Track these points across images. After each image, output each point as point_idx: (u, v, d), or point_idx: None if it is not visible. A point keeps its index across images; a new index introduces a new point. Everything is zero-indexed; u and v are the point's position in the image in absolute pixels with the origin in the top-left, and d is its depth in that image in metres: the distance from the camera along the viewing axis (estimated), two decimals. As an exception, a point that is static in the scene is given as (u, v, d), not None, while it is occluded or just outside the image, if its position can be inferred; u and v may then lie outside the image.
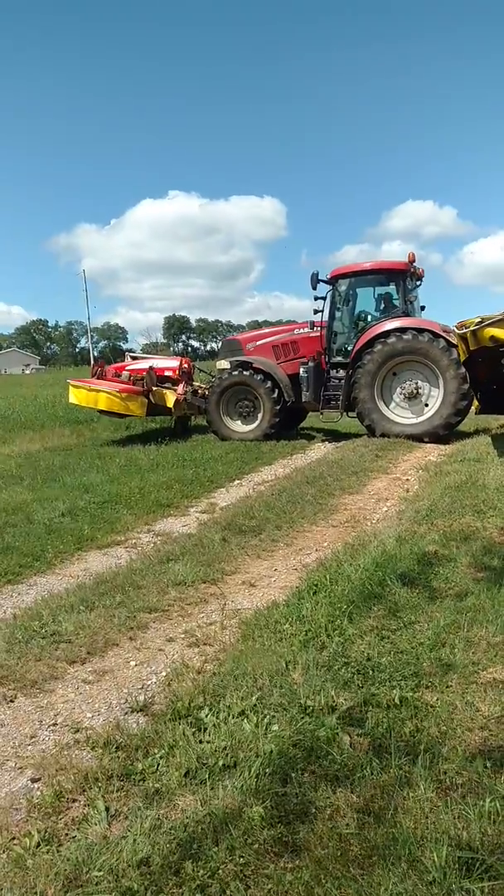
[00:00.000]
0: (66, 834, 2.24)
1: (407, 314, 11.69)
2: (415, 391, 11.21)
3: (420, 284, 12.60)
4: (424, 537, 5.13)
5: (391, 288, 12.15)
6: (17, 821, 2.35)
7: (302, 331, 12.94)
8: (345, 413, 12.09)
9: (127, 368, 13.57)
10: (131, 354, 16.35)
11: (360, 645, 3.37)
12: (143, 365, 13.48)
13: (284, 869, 1.98)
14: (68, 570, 5.36)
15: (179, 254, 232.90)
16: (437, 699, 2.84)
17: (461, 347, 8.99)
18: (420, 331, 10.98)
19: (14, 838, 2.24)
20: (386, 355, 11.11)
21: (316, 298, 12.24)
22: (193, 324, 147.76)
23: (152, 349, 79.51)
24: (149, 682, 3.33)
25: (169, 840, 2.10)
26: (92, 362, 22.12)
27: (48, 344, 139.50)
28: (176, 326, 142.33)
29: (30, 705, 3.17)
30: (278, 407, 12.17)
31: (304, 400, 12.22)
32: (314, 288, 12.02)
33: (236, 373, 12.45)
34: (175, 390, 12.84)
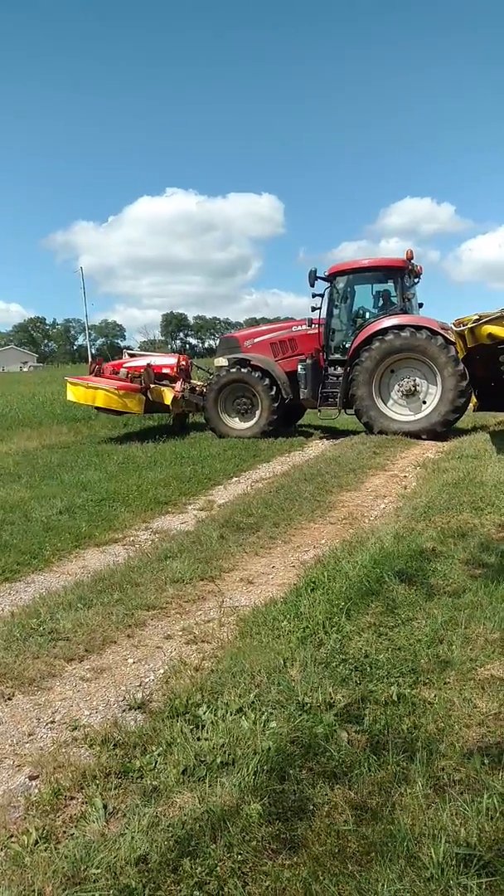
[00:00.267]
0: (64, 832, 2.24)
1: (405, 311, 11.69)
2: (413, 388, 11.22)
3: (418, 281, 12.61)
4: (422, 534, 5.13)
5: (389, 285, 12.14)
6: (15, 818, 2.35)
7: (300, 328, 12.93)
8: (343, 410, 12.10)
9: (125, 366, 13.56)
10: (129, 352, 16.34)
11: (357, 642, 3.37)
12: (141, 362, 13.46)
13: (282, 866, 1.98)
14: (66, 567, 5.36)
15: (177, 251, 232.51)
16: (435, 696, 2.84)
17: (459, 345, 9.00)
18: (418, 328, 10.99)
19: (12, 836, 2.24)
20: (384, 352, 11.11)
21: (314, 296, 12.24)
22: (191, 321, 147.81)
23: (150, 346, 79.41)
24: (147, 680, 3.33)
25: (167, 837, 2.10)
26: (90, 360, 22.11)
27: (46, 341, 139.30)
28: (174, 324, 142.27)
29: (28, 703, 3.17)
30: (276, 404, 12.16)
31: (302, 397, 12.22)
32: (312, 285, 12.02)
33: (234, 370, 12.44)
34: (173, 387, 12.84)
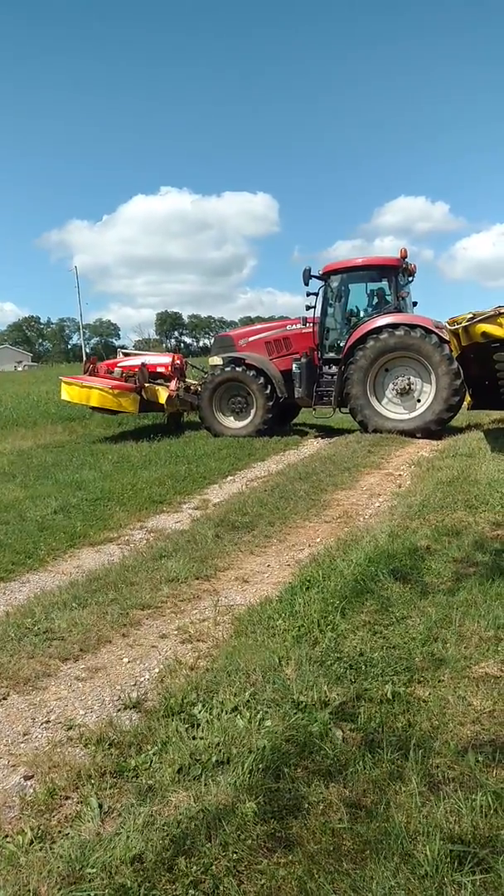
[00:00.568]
0: (60, 831, 2.24)
1: (399, 310, 11.71)
2: (407, 387, 11.24)
3: (412, 280, 12.63)
4: (416, 532, 5.14)
5: (383, 284, 12.15)
6: (10, 818, 2.35)
7: (294, 327, 12.92)
8: (337, 409, 12.11)
9: (119, 365, 13.53)
10: (123, 351, 16.33)
11: (352, 640, 3.38)
12: (136, 361, 13.45)
13: (277, 864, 1.99)
14: (61, 567, 5.35)
15: (172, 250, 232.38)
16: (430, 694, 2.85)
17: (453, 343, 9.01)
18: (412, 327, 11.00)
19: (7, 836, 2.24)
20: (378, 351, 11.13)
21: (308, 294, 12.24)
22: (186, 320, 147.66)
23: (144, 346, 79.28)
24: (142, 679, 3.33)
25: (162, 836, 2.11)
26: (84, 359, 22.05)
27: (40, 341, 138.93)
28: (168, 323, 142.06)
29: (23, 703, 3.16)
30: (271, 403, 12.16)
31: (296, 396, 12.23)
32: (306, 284, 12.03)
33: (229, 369, 12.43)
34: (167, 387, 12.82)
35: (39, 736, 2.89)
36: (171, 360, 13.72)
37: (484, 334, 7.62)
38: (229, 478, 8.79)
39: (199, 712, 2.80)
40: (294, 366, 12.16)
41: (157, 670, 3.40)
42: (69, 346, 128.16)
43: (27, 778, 2.58)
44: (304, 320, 12.63)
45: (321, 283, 12.29)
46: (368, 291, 12.49)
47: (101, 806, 2.32)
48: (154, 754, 2.57)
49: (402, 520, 5.58)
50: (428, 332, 10.88)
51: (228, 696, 2.88)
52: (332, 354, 12.27)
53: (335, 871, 1.94)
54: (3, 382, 35.69)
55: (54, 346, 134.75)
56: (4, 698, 3.20)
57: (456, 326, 8.26)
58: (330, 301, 12.40)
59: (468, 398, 11.14)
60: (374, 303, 12.31)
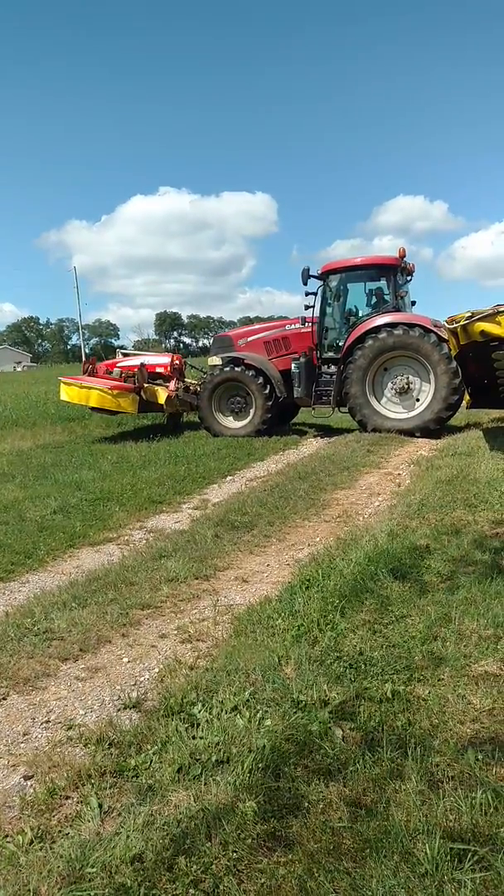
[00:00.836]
0: (60, 831, 2.24)
1: (398, 309, 11.71)
2: (406, 386, 11.24)
3: (411, 279, 12.62)
4: (416, 531, 5.14)
5: (382, 283, 12.15)
6: (10, 818, 2.35)
7: (293, 327, 12.92)
8: (336, 408, 12.11)
9: (118, 365, 13.52)
10: (123, 351, 16.32)
11: (352, 639, 3.38)
12: (135, 362, 13.44)
13: (277, 863, 1.99)
14: (60, 567, 5.35)
15: (171, 250, 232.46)
16: (429, 692, 2.85)
17: (452, 342, 9.01)
18: (411, 326, 11.00)
19: (7, 836, 2.24)
20: (377, 350, 11.13)
21: (307, 294, 12.24)
22: (185, 320, 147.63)
23: (144, 346, 79.28)
24: (141, 679, 3.33)
25: (162, 836, 2.11)
26: (83, 359, 22.05)
27: (39, 341, 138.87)
28: (167, 323, 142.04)
29: (22, 703, 3.16)
30: (270, 403, 12.16)
31: (295, 396, 12.23)
32: (305, 283, 12.02)
33: (228, 369, 12.43)
34: (167, 387, 12.82)
35: (39, 736, 2.89)
36: (170, 360, 13.72)
37: (483, 333, 7.61)
38: (229, 478, 8.79)
39: (199, 712, 2.80)
40: (293, 365, 12.16)
41: (156, 670, 3.40)
42: (68, 347, 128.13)
43: (27, 778, 2.58)
44: (303, 320, 12.62)
45: (320, 282, 12.29)
46: (367, 291, 12.49)
47: (101, 805, 2.32)
48: (154, 754, 2.57)
49: (401, 519, 5.58)
50: (427, 331, 10.88)
51: (228, 696, 2.88)
52: (331, 354, 12.26)
53: (335, 869, 1.94)
54: (2, 383, 35.69)
55: (53, 346, 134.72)
56: (4, 698, 3.20)
57: (455, 325, 8.26)
58: (329, 301, 12.39)
59: (467, 397, 11.14)
60: (372, 302, 12.30)
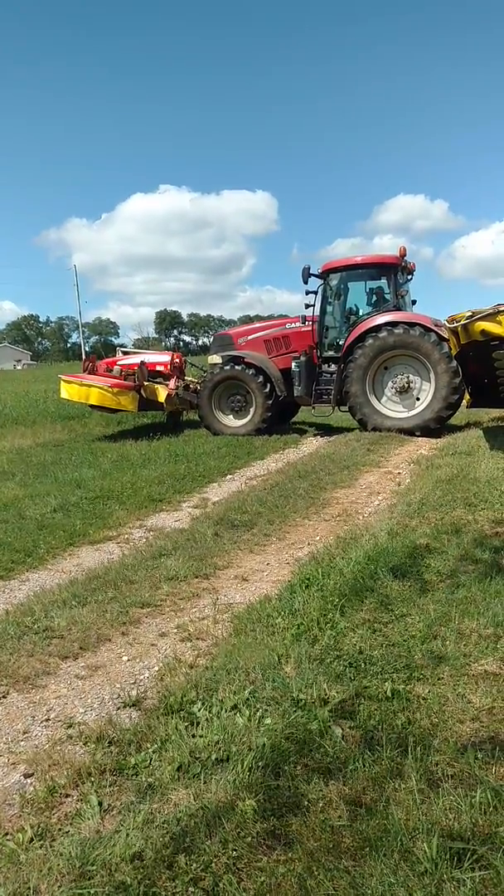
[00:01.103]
0: (60, 829, 2.24)
1: (398, 308, 11.70)
2: (406, 385, 11.23)
3: (411, 278, 12.61)
4: (416, 530, 5.14)
5: (382, 282, 12.14)
6: (10, 816, 2.35)
7: (294, 325, 12.92)
8: (337, 407, 12.10)
9: (118, 363, 13.52)
10: (123, 349, 16.30)
11: (352, 638, 3.38)
12: (135, 360, 13.43)
13: (277, 861, 1.99)
14: (60, 565, 5.35)
15: (171, 248, 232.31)
16: (429, 691, 2.85)
17: (452, 341, 9.01)
18: (411, 325, 11.00)
19: (7, 834, 2.24)
20: (377, 349, 11.12)
21: (307, 293, 12.23)
22: (185, 318, 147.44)
23: (144, 344, 79.16)
24: (141, 677, 3.33)
25: (162, 834, 2.11)
26: (83, 357, 22.03)
27: (39, 339, 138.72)
28: (167, 321, 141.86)
29: (22, 701, 3.16)
30: (270, 401, 12.15)
31: (296, 394, 12.22)
32: (305, 282, 12.02)
33: (228, 367, 12.42)
34: (167, 385, 12.82)
35: (39, 734, 2.89)
36: (170, 358, 13.71)
37: (483, 332, 7.61)
38: (228, 476, 8.79)
39: (199, 710, 2.80)
40: (293, 364, 12.15)
41: (156, 668, 3.40)
42: (68, 345, 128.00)
43: (27, 776, 2.58)
44: (304, 319, 12.62)
45: (320, 281, 12.28)
46: (367, 290, 12.48)
47: (100, 804, 2.32)
48: (154, 752, 2.57)
49: (401, 518, 5.58)
50: (427, 330, 10.88)
51: (228, 694, 2.89)
52: (331, 353, 12.26)
53: (334, 868, 1.94)
54: (2, 381, 35.65)
55: (53, 344, 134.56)
56: (4, 696, 3.21)
57: (455, 324, 8.25)
58: (329, 299, 12.39)
59: (467, 396, 11.14)
60: (373, 301, 12.30)
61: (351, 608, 3.75)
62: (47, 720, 3.00)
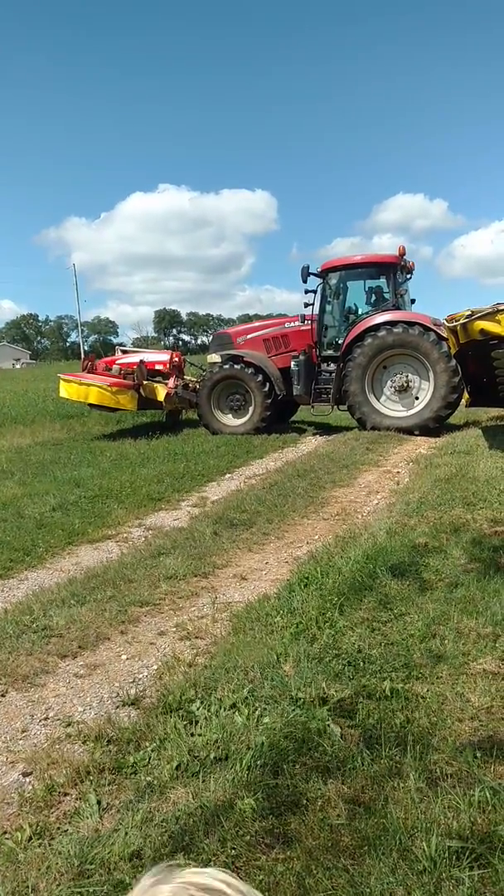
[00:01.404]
0: (58, 828, 2.24)
1: (397, 307, 11.70)
2: (405, 384, 11.23)
3: (410, 277, 12.62)
4: (415, 529, 5.15)
5: (382, 281, 12.14)
6: (8, 815, 2.35)
7: (293, 324, 12.91)
8: (336, 406, 12.10)
9: (117, 362, 13.51)
10: (122, 348, 16.29)
11: (351, 637, 3.38)
12: (134, 359, 13.42)
13: (276, 860, 1.99)
14: (59, 564, 5.35)
15: (170, 247, 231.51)
16: (428, 690, 2.85)
17: (451, 340, 9.01)
18: (410, 324, 11.00)
19: (6, 832, 2.24)
20: (376, 348, 11.12)
21: (307, 292, 12.23)
22: (184, 317, 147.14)
23: (143, 343, 79.23)
24: (140, 676, 3.33)
25: (161, 833, 2.11)
26: (82, 356, 22.03)
27: (38, 338, 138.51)
28: (166, 320, 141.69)
29: (21, 699, 3.16)
30: (269, 400, 12.14)
31: (295, 393, 12.22)
32: (305, 281, 12.03)
33: (227, 366, 12.42)
34: (166, 384, 12.81)
35: (38, 733, 2.89)
36: (169, 357, 13.70)
37: (482, 331, 7.61)
38: (227, 475, 8.79)
39: (198, 709, 2.80)
40: (292, 363, 12.15)
41: (155, 667, 3.40)
42: (67, 344, 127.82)
43: (26, 774, 2.58)
44: (303, 318, 12.61)
45: (320, 280, 12.28)
46: (367, 289, 12.47)
47: (99, 802, 2.32)
48: (152, 751, 2.57)
49: (400, 517, 5.58)
50: (426, 329, 10.88)
51: (227, 693, 2.89)
52: (330, 352, 12.25)
53: (333, 866, 1.94)
54: (1, 380, 35.61)
55: (52, 343, 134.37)
56: (3, 695, 3.20)
57: (454, 324, 8.26)
58: (328, 298, 12.38)
59: (466, 395, 11.14)
60: (372, 300, 12.30)
61: (350, 607, 3.75)
62: (46, 719, 3.00)
